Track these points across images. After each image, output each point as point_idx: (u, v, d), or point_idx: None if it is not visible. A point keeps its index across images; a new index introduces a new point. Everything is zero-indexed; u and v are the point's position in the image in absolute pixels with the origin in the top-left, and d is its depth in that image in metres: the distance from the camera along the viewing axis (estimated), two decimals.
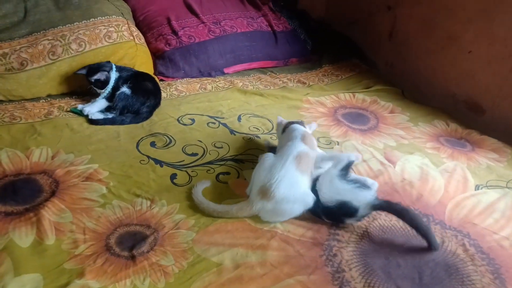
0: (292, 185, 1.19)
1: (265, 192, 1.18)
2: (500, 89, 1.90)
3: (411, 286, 1.06)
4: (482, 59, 1.96)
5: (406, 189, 1.41)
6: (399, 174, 1.49)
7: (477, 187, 1.46)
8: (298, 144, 1.30)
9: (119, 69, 1.78)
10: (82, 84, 1.81)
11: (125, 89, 1.71)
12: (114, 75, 1.74)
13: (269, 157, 1.29)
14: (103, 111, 1.74)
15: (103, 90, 1.73)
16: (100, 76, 1.71)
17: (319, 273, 1.07)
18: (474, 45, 1.99)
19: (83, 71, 1.73)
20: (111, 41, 1.86)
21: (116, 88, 1.74)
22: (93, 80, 1.71)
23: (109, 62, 1.78)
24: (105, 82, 1.72)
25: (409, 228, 1.22)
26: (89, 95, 1.81)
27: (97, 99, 1.74)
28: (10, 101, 1.74)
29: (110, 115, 1.70)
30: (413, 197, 1.38)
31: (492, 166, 1.59)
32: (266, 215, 1.20)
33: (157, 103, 1.78)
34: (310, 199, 1.19)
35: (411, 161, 1.57)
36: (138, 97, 1.71)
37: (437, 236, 1.22)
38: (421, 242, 1.19)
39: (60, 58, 1.77)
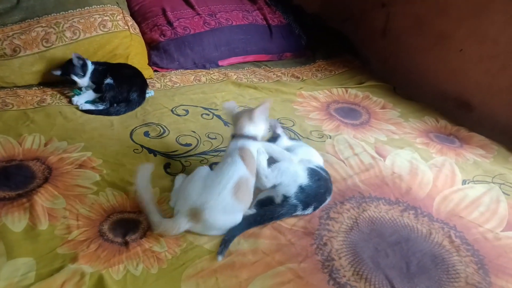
0: (225, 212, 1.11)
1: (196, 215, 1.09)
2: (490, 87, 1.95)
3: (399, 275, 1.09)
4: (472, 57, 2.00)
5: (395, 182, 1.44)
6: (389, 167, 1.52)
7: (464, 182, 1.50)
8: (239, 167, 1.16)
9: (94, 63, 1.76)
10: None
11: (109, 80, 1.71)
12: (90, 65, 1.73)
13: (204, 171, 1.20)
14: (96, 100, 1.73)
15: (84, 78, 1.71)
16: (76, 62, 1.68)
17: (309, 261, 1.09)
18: (465, 44, 2.03)
19: (58, 72, 1.70)
20: (105, 30, 1.85)
21: (101, 81, 1.73)
22: (74, 70, 1.69)
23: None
24: (84, 66, 1.70)
25: (397, 219, 1.26)
26: None
27: (84, 90, 1.74)
28: (2, 87, 1.72)
29: (101, 107, 1.69)
30: (402, 190, 1.41)
31: (479, 162, 1.63)
32: (195, 231, 1.13)
33: (143, 85, 1.79)
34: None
35: (401, 156, 1.61)
36: (122, 84, 1.71)
37: (424, 228, 1.25)
38: (409, 233, 1.23)
39: (53, 46, 1.75)
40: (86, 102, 1.71)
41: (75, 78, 1.70)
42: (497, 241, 1.24)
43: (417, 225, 1.26)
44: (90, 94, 1.74)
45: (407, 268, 1.11)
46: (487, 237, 1.25)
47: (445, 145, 1.73)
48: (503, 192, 1.45)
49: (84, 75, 1.71)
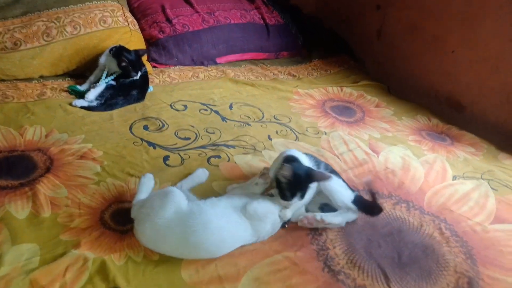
0: None
1: None
2: (480, 88, 2.00)
3: (391, 264, 1.13)
4: (464, 60, 2.06)
5: (388, 177, 1.49)
6: (382, 163, 1.57)
7: (454, 178, 1.55)
8: None
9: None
10: (76, 66, 1.84)
11: (111, 82, 1.74)
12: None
13: None
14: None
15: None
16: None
17: (305, 250, 1.13)
18: (457, 46, 2.08)
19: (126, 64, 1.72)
20: (106, 25, 1.88)
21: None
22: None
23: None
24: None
25: (390, 212, 1.31)
26: (82, 77, 1.83)
27: (100, 82, 1.74)
28: (2, 80, 1.74)
29: (95, 102, 1.69)
30: (395, 184, 1.46)
31: (469, 159, 1.69)
32: None
33: (144, 84, 1.81)
34: None
35: (394, 152, 1.65)
36: (123, 86, 1.74)
37: (416, 220, 1.30)
38: (401, 225, 1.27)
39: (54, 40, 1.78)
40: (78, 97, 1.71)
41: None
42: (485, 233, 1.29)
43: (409, 218, 1.31)
44: (103, 87, 1.73)
45: (398, 257, 1.15)
46: (475, 230, 1.30)
47: (437, 142, 1.78)
48: (491, 188, 1.50)
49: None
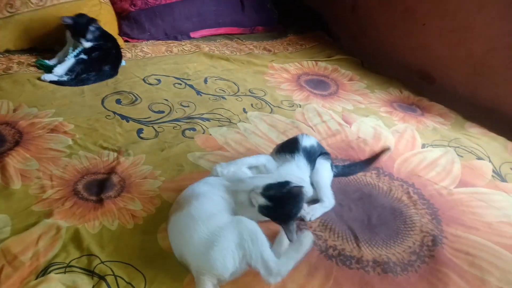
0: None
1: None
2: (449, 60, 2.06)
3: (361, 226, 1.17)
4: (434, 31, 2.10)
5: (360, 146, 1.53)
6: (354, 133, 1.61)
7: (423, 146, 1.60)
8: None
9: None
10: (43, 40, 1.77)
11: (82, 56, 1.70)
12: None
13: None
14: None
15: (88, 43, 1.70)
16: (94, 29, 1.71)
17: None
18: (427, 18, 2.12)
19: (70, 21, 1.65)
20: None
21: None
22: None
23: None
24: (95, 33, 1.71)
25: (361, 178, 1.35)
26: (51, 52, 1.78)
27: (68, 57, 1.69)
28: None
29: (65, 77, 1.65)
30: (366, 152, 1.49)
31: (437, 128, 1.75)
32: None
33: (117, 59, 1.77)
34: None
35: (366, 123, 1.69)
36: (94, 60, 1.70)
37: (385, 185, 1.35)
38: (371, 190, 1.32)
39: (18, 12, 1.71)
40: (47, 72, 1.66)
41: (82, 41, 1.68)
42: (450, 196, 1.35)
43: (379, 183, 1.35)
44: (71, 62, 1.67)
45: (368, 220, 1.20)
46: (441, 193, 1.36)
47: (407, 113, 1.84)
48: (457, 155, 1.56)
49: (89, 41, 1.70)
